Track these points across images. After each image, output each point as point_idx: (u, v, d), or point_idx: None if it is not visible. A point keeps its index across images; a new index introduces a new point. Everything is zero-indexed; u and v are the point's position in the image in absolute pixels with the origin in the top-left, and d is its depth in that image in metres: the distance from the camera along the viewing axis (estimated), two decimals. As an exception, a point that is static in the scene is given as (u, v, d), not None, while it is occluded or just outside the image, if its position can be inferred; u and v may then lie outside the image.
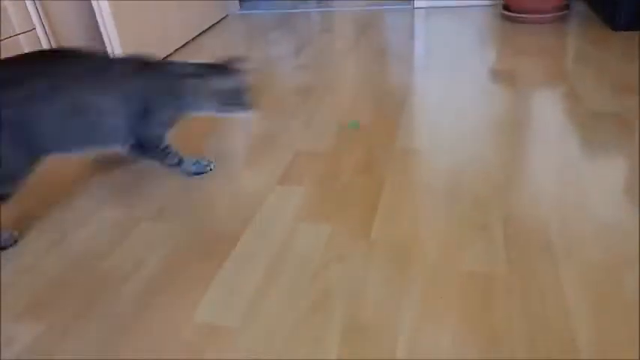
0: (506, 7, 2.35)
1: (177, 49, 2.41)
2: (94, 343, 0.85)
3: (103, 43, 1.96)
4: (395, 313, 0.84)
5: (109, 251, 1.07)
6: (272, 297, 0.90)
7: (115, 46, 1.97)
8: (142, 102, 1.19)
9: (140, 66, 1.21)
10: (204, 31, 2.67)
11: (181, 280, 0.97)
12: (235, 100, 1.26)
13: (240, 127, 1.58)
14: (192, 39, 2.56)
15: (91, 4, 1.91)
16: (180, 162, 1.30)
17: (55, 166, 1.44)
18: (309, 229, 1.07)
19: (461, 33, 2.22)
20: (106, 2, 1.89)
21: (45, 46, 1.77)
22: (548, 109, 1.47)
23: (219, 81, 1.24)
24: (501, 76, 1.73)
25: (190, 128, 1.49)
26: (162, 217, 1.17)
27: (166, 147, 1.27)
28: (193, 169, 1.32)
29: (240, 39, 2.50)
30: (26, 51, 1.29)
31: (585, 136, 1.30)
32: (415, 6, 2.73)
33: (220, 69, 1.27)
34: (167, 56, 2.32)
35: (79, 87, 1.10)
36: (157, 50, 2.22)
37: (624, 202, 1.04)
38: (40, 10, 1.76)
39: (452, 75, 1.78)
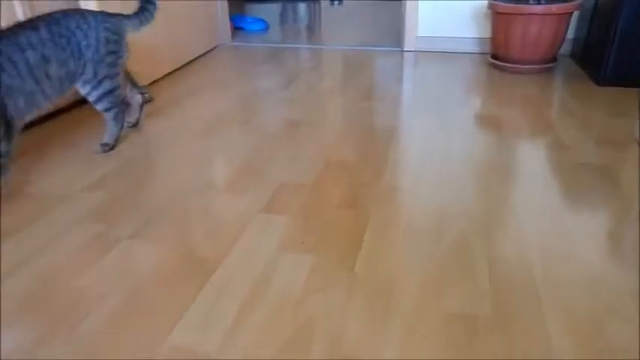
0: (494, 56, 2.42)
1: (166, 74, 2.40)
2: (65, 356, 0.80)
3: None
4: (376, 348, 0.80)
5: (86, 268, 1.02)
6: (251, 324, 0.86)
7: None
8: None
9: None
10: (194, 59, 2.67)
11: (158, 301, 0.93)
12: None
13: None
14: (182, 66, 2.56)
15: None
16: None
17: (36, 178, 1.40)
18: (291, 258, 1.04)
19: (448, 78, 2.27)
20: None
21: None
22: (532, 157, 1.48)
23: None
24: (487, 122, 1.76)
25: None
26: (143, 237, 1.13)
27: None
28: None
29: (229, 69, 2.51)
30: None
31: (570, 185, 1.32)
32: (405, 49, 2.79)
33: None
34: (155, 81, 2.31)
35: None
36: (146, 73, 2.21)
37: (608, 253, 1.04)
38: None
39: (438, 118, 1.80)
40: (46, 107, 1.40)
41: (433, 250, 1.06)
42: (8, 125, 1.28)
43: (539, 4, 2.17)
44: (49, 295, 0.95)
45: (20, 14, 1.65)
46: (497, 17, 2.26)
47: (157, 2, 1.60)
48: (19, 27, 1.30)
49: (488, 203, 1.24)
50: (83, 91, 1.48)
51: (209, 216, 1.21)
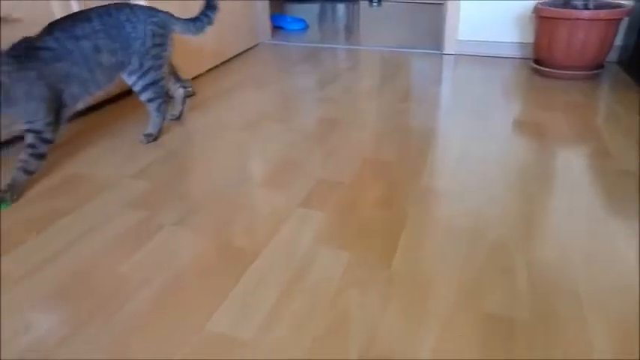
0: (537, 61, 2.37)
1: (208, 70, 2.46)
2: (105, 339, 0.84)
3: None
4: (412, 346, 0.81)
5: (128, 254, 1.06)
6: (287, 315, 0.88)
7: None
8: None
9: None
10: (235, 56, 2.73)
11: (198, 288, 0.96)
12: None
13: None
14: (224, 62, 2.61)
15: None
16: None
17: (83, 164, 1.46)
18: (328, 253, 1.05)
19: (488, 82, 2.25)
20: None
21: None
22: (574, 163, 1.45)
23: None
24: (528, 127, 1.73)
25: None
26: (184, 225, 1.16)
27: None
28: None
29: (269, 67, 2.55)
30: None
31: (612, 192, 1.28)
32: (444, 52, 2.77)
33: None
34: (198, 76, 2.37)
35: None
36: (189, 68, 2.27)
37: (654, 262, 1.01)
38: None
39: (477, 121, 1.78)
40: (97, 94, 1.47)
41: (471, 252, 1.05)
42: (58, 114, 1.35)
43: (587, 9, 2.12)
44: (91, 279, 0.99)
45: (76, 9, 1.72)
46: (542, 21, 2.21)
47: (213, 18, 1.66)
48: (75, 18, 1.37)
49: (528, 208, 1.22)
50: (129, 81, 1.54)
51: (248, 208, 1.24)
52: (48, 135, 1.33)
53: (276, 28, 3.44)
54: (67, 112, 1.40)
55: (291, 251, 1.06)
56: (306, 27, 3.52)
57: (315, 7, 4.45)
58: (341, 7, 4.48)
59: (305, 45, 3.02)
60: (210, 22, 1.65)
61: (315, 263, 1.02)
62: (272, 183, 1.36)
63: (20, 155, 1.31)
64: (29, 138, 1.31)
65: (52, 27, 1.34)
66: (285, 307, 0.90)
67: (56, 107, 1.34)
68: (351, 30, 3.52)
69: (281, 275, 0.99)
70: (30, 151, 1.32)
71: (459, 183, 1.35)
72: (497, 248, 1.06)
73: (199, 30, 1.64)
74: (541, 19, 2.22)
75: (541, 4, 2.25)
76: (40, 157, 1.34)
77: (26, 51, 1.27)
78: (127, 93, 2.08)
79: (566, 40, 2.14)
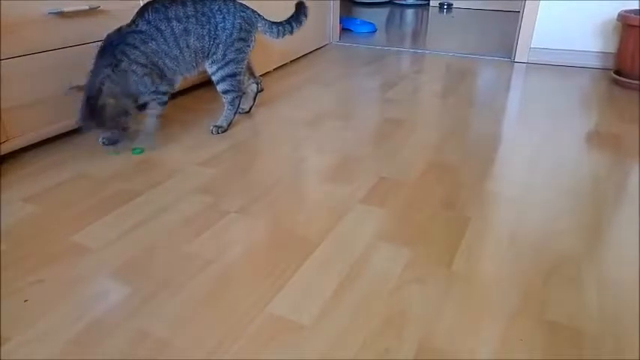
0: (618, 72, 2.24)
1: (277, 67, 2.52)
2: (169, 313, 0.88)
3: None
4: (470, 343, 0.79)
5: (194, 235, 1.11)
6: (346, 305, 0.89)
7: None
8: None
9: None
10: (303, 55, 2.77)
11: (259, 273, 0.98)
12: None
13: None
14: (293, 60, 2.66)
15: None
16: None
17: (160, 150, 1.54)
18: (388, 248, 1.05)
19: (562, 91, 2.15)
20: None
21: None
22: (656, 178, 1.36)
23: None
24: (603, 139, 1.64)
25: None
26: (248, 213, 1.20)
27: None
28: None
29: (336, 67, 2.57)
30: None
31: (699, 212, 1.19)
32: (515, 60, 2.68)
33: None
34: (267, 72, 2.43)
35: None
36: (258, 65, 2.34)
37: None
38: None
39: (547, 130, 1.71)
40: (183, 77, 1.60)
41: (535, 260, 1.01)
42: (162, 80, 1.53)
43: (679, 18, 1.99)
44: (158, 256, 1.04)
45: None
46: (628, 30, 2.09)
47: (295, 30, 1.72)
48: (171, 0, 1.49)
49: (599, 222, 1.16)
50: (210, 69, 1.61)
51: (309, 200, 1.25)
52: (163, 98, 1.56)
53: (345, 30, 3.47)
54: (170, 82, 1.56)
55: (351, 244, 1.07)
56: (374, 30, 3.52)
57: (384, 12, 4.45)
58: (410, 12, 4.45)
59: (372, 47, 3.03)
60: (291, 32, 1.71)
61: (375, 257, 1.02)
62: (334, 178, 1.37)
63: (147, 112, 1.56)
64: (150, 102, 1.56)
65: (146, 8, 1.46)
66: (344, 296, 0.91)
67: (159, 75, 1.50)
68: (418, 35, 3.49)
69: (341, 266, 1.00)
70: (153, 104, 1.58)
71: (526, 191, 1.30)
72: (564, 259, 1.02)
73: (280, 34, 1.70)
74: (627, 27, 2.10)
75: (627, 11, 2.13)
76: (163, 104, 1.59)
77: (115, 47, 1.41)
78: (198, 86, 2.17)
79: (653, 50, 2.02)
